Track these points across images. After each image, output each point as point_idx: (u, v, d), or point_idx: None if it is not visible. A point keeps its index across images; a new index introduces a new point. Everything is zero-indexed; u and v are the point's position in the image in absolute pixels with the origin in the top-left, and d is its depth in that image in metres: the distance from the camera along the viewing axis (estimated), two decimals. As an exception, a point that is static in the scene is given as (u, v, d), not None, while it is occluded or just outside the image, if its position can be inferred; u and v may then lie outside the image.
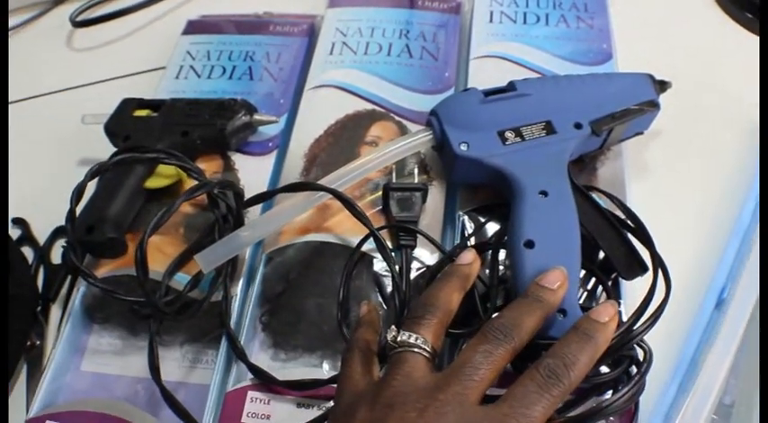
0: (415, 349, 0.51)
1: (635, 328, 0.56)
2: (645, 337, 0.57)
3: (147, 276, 0.63)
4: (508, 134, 0.67)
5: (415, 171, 0.73)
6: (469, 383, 0.47)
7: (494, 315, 0.56)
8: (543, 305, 0.54)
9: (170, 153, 0.72)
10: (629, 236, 0.64)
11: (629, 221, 0.65)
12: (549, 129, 0.68)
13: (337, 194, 0.66)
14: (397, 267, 0.66)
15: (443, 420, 0.45)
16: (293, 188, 0.68)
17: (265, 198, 0.71)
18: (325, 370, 0.64)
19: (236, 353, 0.64)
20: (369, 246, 0.68)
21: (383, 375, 0.51)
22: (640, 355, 0.58)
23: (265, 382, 0.63)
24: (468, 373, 0.48)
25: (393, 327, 0.53)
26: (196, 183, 0.70)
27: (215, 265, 0.64)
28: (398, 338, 0.52)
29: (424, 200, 0.71)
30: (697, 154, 0.81)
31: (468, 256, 0.61)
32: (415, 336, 0.52)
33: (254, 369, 0.63)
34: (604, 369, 0.58)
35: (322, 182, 0.66)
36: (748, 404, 0.61)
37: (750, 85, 0.86)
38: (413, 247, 0.69)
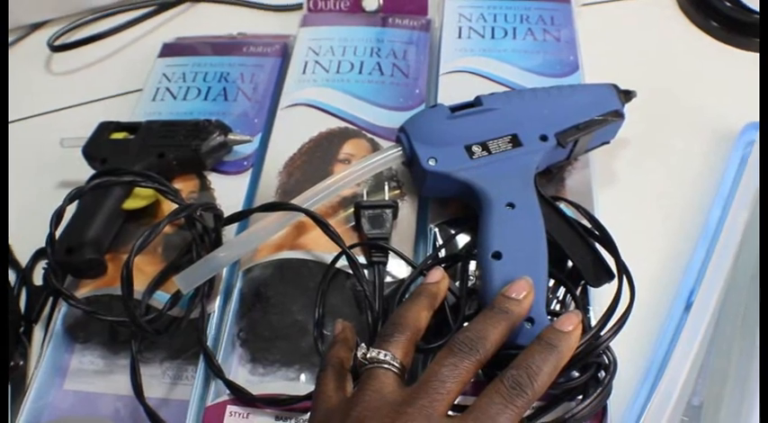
0: (385, 365, 0.53)
1: (601, 334, 0.58)
2: (612, 344, 0.59)
3: (131, 296, 0.64)
4: (475, 148, 0.68)
5: (386, 187, 0.75)
6: (436, 396, 0.49)
7: (464, 325, 0.58)
8: (509, 316, 0.55)
9: (147, 175, 0.74)
10: (596, 244, 0.66)
11: (595, 231, 0.67)
12: (516, 142, 0.69)
13: (311, 215, 0.68)
14: (368, 285, 0.67)
15: None
16: (268, 208, 0.69)
17: (241, 217, 0.73)
18: (302, 382, 0.66)
19: (213, 370, 0.65)
20: (344, 262, 0.69)
21: (355, 391, 0.52)
22: (607, 361, 0.59)
23: (242, 398, 0.64)
24: (435, 387, 0.49)
25: (363, 344, 0.55)
26: (174, 204, 0.72)
27: (194, 286, 0.66)
28: (368, 355, 0.53)
29: (394, 216, 0.72)
30: (663, 162, 0.83)
31: (437, 275, 0.62)
32: (384, 352, 0.53)
33: (230, 385, 0.64)
34: (575, 374, 0.59)
35: (296, 200, 0.68)
36: (716, 405, 0.63)
37: (716, 93, 0.88)
38: (385, 264, 0.70)
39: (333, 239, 0.67)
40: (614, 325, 0.58)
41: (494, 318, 0.55)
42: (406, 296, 0.66)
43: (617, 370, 0.59)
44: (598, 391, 0.57)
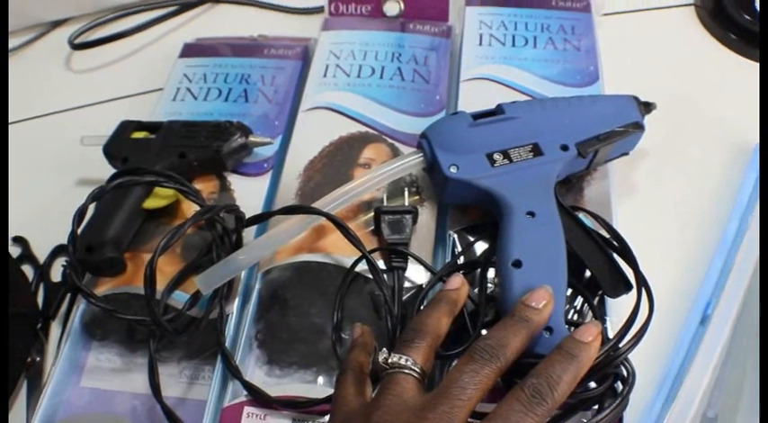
0: (406, 370, 0.53)
1: (620, 346, 0.58)
2: (630, 355, 0.59)
3: (154, 295, 0.64)
4: (496, 156, 0.68)
5: (406, 192, 0.75)
6: (457, 402, 0.49)
7: (482, 333, 0.58)
8: (529, 324, 0.55)
9: (168, 175, 0.74)
10: (614, 255, 0.66)
11: (614, 241, 0.67)
12: (537, 151, 0.69)
13: (332, 219, 0.68)
14: (387, 290, 0.67)
15: None
16: (289, 211, 0.70)
17: (262, 219, 0.73)
18: (320, 385, 0.66)
19: (231, 370, 0.66)
20: (362, 266, 0.69)
21: (375, 396, 0.52)
22: (625, 373, 0.59)
23: (259, 400, 0.64)
24: (456, 393, 0.49)
25: (384, 349, 0.55)
26: (195, 205, 0.72)
27: (214, 287, 0.66)
28: (390, 360, 0.53)
29: (414, 222, 0.72)
30: (682, 173, 0.83)
31: (456, 282, 0.62)
32: (405, 357, 0.54)
33: (248, 386, 0.65)
34: (592, 384, 0.59)
35: (316, 204, 0.68)
36: (731, 418, 0.63)
37: (734, 105, 0.88)
38: (404, 269, 0.70)
39: (353, 244, 0.67)
40: (633, 337, 0.58)
41: (514, 326, 0.55)
42: (426, 302, 0.67)
43: (635, 382, 0.59)
44: (616, 402, 0.57)
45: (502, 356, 0.52)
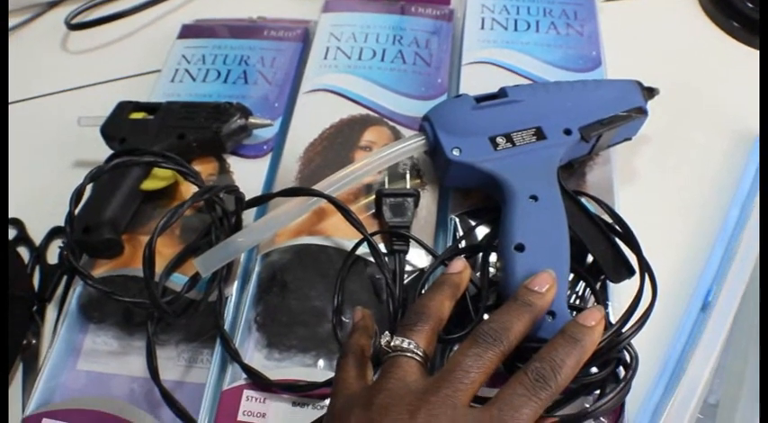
0: (408, 354, 0.52)
1: (622, 331, 0.58)
2: (632, 341, 0.59)
3: (153, 277, 0.64)
4: (499, 140, 0.68)
5: (408, 175, 0.74)
6: (460, 386, 0.49)
7: (485, 317, 0.58)
8: (532, 308, 0.55)
9: (167, 156, 0.73)
10: (617, 240, 0.66)
11: (617, 226, 0.66)
12: (540, 134, 0.69)
13: (333, 201, 0.67)
14: (389, 273, 0.67)
15: (435, 422, 0.47)
16: (290, 193, 0.69)
17: (262, 201, 0.73)
18: (319, 368, 0.65)
19: (230, 353, 0.65)
20: (363, 249, 0.69)
21: (377, 379, 0.52)
22: (627, 358, 0.59)
23: (258, 383, 0.64)
24: (459, 377, 0.49)
25: (387, 332, 0.54)
26: (194, 186, 0.71)
27: (213, 269, 0.66)
28: (392, 343, 0.53)
29: (416, 205, 0.72)
30: (684, 159, 0.82)
31: (459, 265, 0.62)
32: (407, 341, 0.53)
33: (247, 370, 0.64)
34: (593, 370, 0.59)
35: (317, 187, 0.67)
36: (732, 404, 0.63)
37: (736, 93, 0.88)
38: (405, 252, 0.70)
39: (355, 226, 0.67)
40: (636, 322, 0.58)
41: (517, 310, 0.55)
42: (427, 285, 0.66)
43: (638, 367, 0.59)
44: (619, 387, 0.57)
45: (505, 340, 0.52)
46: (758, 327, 0.65)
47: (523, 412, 0.48)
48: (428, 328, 0.55)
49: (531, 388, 0.49)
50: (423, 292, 0.64)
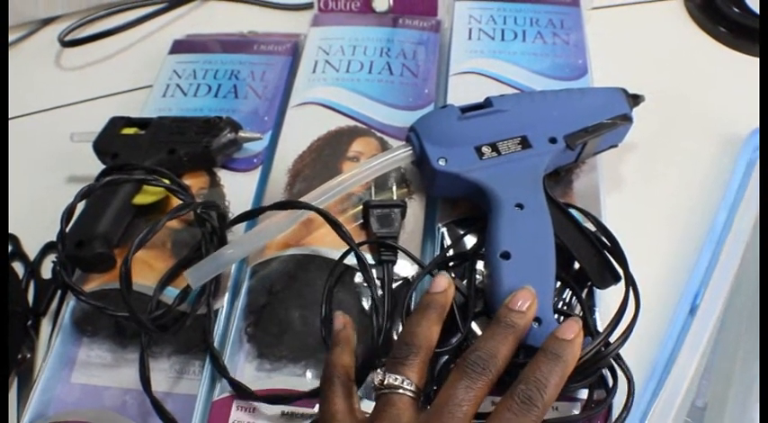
0: (400, 390, 0.53)
1: (610, 342, 0.59)
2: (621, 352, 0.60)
3: (130, 292, 0.64)
4: (485, 149, 0.69)
5: (394, 187, 0.75)
6: (455, 421, 0.49)
7: (473, 324, 0.58)
8: (515, 329, 0.56)
9: (157, 171, 0.75)
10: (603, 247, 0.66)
11: (603, 238, 0.67)
12: (525, 143, 0.70)
13: (321, 212, 0.68)
14: (375, 284, 0.68)
15: None
16: (279, 206, 0.69)
17: (250, 217, 0.73)
18: (308, 379, 0.66)
19: (218, 369, 0.66)
20: (352, 259, 0.69)
21: (371, 418, 0.53)
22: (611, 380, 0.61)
23: (244, 396, 0.64)
24: (453, 411, 0.50)
25: (379, 370, 0.55)
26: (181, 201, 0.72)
27: (203, 281, 0.66)
28: (385, 381, 0.53)
29: (403, 216, 0.72)
30: (671, 165, 0.83)
31: (443, 283, 0.61)
32: (400, 378, 0.53)
33: (233, 383, 0.64)
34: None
35: (305, 198, 0.68)
36: (720, 407, 0.63)
37: (724, 98, 0.89)
38: (394, 263, 0.70)
39: (343, 238, 0.67)
40: (621, 335, 0.59)
41: (501, 334, 0.55)
42: (415, 295, 0.67)
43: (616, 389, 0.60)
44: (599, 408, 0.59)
45: (493, 367, 0.53)
46: (746, 330, 0.66)
47: None
48: (419, 360, 0.55)
49: (519, 412, 0.50)
50: (410, 314, 0.63)
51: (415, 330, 0.57)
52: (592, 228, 0.68)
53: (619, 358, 0.61)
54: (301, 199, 0.68)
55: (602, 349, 0.58)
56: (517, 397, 0.50)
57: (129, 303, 0.64)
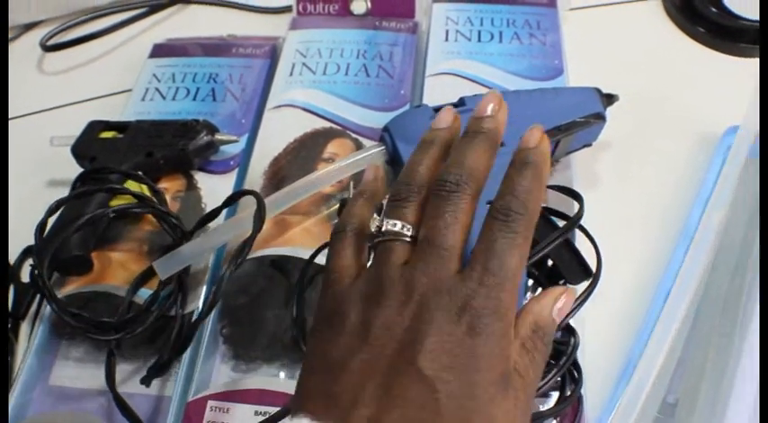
0: (400, 237, 0.48)
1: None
2: (593, 343, 0.60)
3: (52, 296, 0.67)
4: (457, 148, 0.69)
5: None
6: (444, 253, 0.45)
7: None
8: (488, 135, 0.50)
9: (132, 175, 0.76)
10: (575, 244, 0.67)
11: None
12: (497, 142, 0.70)
13: (255, 195, 0.68)
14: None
15: (425, 309, 0.43)
16: (226, 203, 0.72)
17: (208, 220, 0.73)
18: (282, 379, 0.66)
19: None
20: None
21: (371, 267, 0.48)
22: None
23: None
24: (441, 242, 0.46)
25: (376, 215, 0.50)
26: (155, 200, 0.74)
27: (172, 272, 0.67)
28: (383, 228, 0.48)
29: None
30: (646, 165, 0.84)
31: (447, 118, 0.54)
32: (399, 223, 0.48)
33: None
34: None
35: (273, 196, 0.69)
36: (691, 402, 0.63)
37: (702, 96, 0.89)
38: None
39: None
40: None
41: (472, 142, 0.50)
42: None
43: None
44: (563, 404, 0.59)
45: (471, 179, 0.48)
46: (718, 326, 0.67)
47: (510, 254, 0.45)
48: (418, 200, 0.49)
49: (506, 225, 0.45)
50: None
51: (416, 168, 0.51)
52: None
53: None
54: (269, 197, 0.69)
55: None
56: (499, 213, 0.45)
57: (61, 306, 0.67)
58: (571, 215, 0.65)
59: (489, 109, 0.51)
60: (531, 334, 0.46)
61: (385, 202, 0.52)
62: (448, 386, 0.41)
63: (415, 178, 0.50)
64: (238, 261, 0.64)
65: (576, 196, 0.65)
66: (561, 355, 0.58)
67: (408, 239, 0.48)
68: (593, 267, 0.63)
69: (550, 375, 0.55)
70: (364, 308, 0.45)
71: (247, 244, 0.64)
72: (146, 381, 0.65)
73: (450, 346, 0.42)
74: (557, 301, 0.48)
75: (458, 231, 0.46)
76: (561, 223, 0.64)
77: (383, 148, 0.71)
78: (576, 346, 0.57)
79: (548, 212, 0.70)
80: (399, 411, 0.41)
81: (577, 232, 0.67)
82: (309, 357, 0.48)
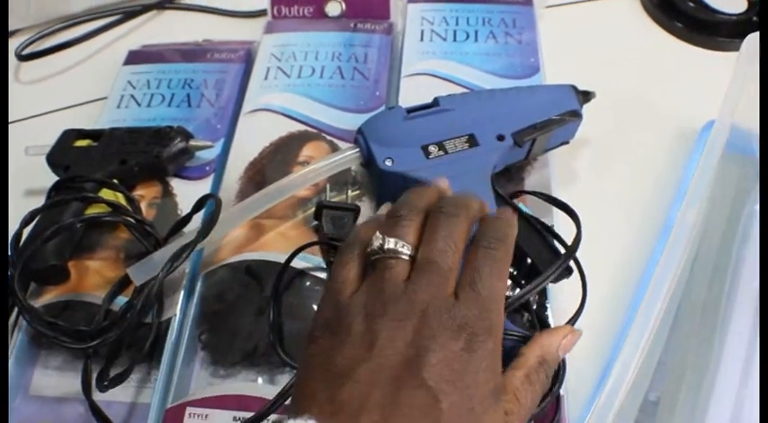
0: (398, 255, 0.52)
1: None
2: (574, 349, 0.59)
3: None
4: (431, 148, 0.69)
5: (349, 190, 0.76)
6: (441, 277, 0.50)
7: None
8: (479, 203, 0.58)
9: (107, 183, 0.77)
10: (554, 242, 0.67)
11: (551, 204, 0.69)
12: (472, 141, 0.70)
13: (213, 197, 0.71)
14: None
15: (426, 327, 0.47)
16: (197, 207, 0.72)
17: (181, 226, 0.74)
18: (260, 384, 0.66)
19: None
20: (304, 262, 0.70)
21: (371, 281, 0.52)
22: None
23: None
24: (437, 269, 0.50)
25: (378, 234, 0.53)
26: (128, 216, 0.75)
27: (146, 278, 0.66)
28: (385, 246, 0.52)
29: (355, 220, 0.73)
30: (625, 161, 0.84)
31: (444, 183, 0.62)
32: (400, 242, 0.52)
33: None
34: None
35: (247, 201, 0.69)
36: (672, 400, 0.63)
37: (681, 91, 0.90)
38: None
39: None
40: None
41: (468, 193, 0.58)
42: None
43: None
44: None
45: (468, 209, 0.55)
46: (699, 324, 0.67)
47: (497, 280, 0.51)
48: (417, 220, 0.55)
49: (489, 254, 0.52)
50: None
51: (415, 196, 0.57)
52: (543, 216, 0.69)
53: None
54: (244, 201, 0.69)
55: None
56: (482, 243, 0.52)
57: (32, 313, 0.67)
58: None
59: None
60: (537, 366, 0.52)
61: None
62: (449, 397, 0.45)
63: (416, 202, 0.56)
64: (174, 265, 0.66)
65: (572, 215, 0.65)
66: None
67: (407, 258, 0.52)
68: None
69: (544, 403, 0.56)
70: (368, 319, 0.48)
71: (188, 247, 0.66)
72: (104, 388, 0.65)
73: (451, 361, 0.46)
74: (564, 338, 0.55)
75: (455, 254, 0.51)
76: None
77: (357, 150, 0.71)
78: (564, 371, 0.58)
79: (522, 195, 0.71)
80: (404, 419, 0.44)
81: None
82: (309, 363, 0.50)
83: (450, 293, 0.49)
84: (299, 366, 0.52)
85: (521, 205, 0.70)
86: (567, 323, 0.60)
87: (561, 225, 0.70)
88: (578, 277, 0.64)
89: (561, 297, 0.67)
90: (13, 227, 0.72)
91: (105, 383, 0.65)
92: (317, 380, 0.48)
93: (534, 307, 0.67)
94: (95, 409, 0.64)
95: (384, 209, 0.61)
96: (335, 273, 0.54)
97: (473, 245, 0.52)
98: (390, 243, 0.52)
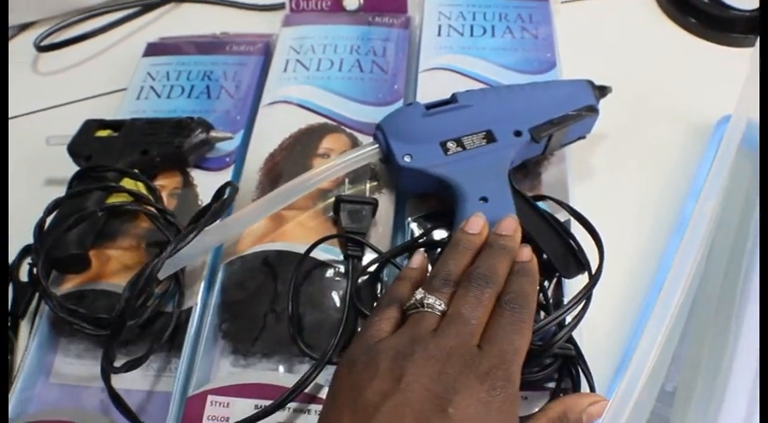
0: (434, 310, 0.56)
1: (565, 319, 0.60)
2: (590, 336, 0.61)
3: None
4: (450, 144, 0.70)
5: (367, 183, 0.77)
6: (469, 328, 0.53)
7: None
8: (508, 251, 0.60)
9: (128, 172, 0.77)
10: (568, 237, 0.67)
11: (578, 222, 0.68)
12: (490, 137, 0.71)
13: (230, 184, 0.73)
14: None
15: (450, 368, 0.50)
16: (216, 197, 0.73)
17: (201, 217, 0.72)
18: (281, 373, 0.67)
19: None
20: (320, 254, 0.71)
21: (406, 329, 0.55)
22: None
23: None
24: (465, 321, 0.53)
25: (420, 289, 0.57)
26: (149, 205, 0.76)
27: (169, 273, 0.67)
28: (425, 302, 0.56)
29: (373, 214, 0.73)
30: (640, 156, 0.84)
31: (478, 224, 0.63)
32: (439, 301, 0.56)
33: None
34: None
35: (270, 195, 0.70)
36: (689, 390, 0.64)
37: (694, 86, 0.90)
38: (360, 258, 0.71)
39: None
40: (571, 301, 0.61)
41: (498, 255, 0.60)
42: (387, 280, 0.70)
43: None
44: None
45: (496, 282, 0.57)
46: (714, 316, 0.67)
47: (519, 337, 0.53)
48: (451, 290, 0.58)
49: (513, 316, 0.54)
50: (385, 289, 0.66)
51: (451, 268, 0.59)
52: (561, 214, 0.70)
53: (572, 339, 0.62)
54: (265, 196, 0.70)
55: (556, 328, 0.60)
56: (507, 305, 0.55)
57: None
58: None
59: (511, 230, 0.62)
60: (556, 419, 0.55)
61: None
62: None
63: (450, 276, 0.58)
64: (179, 246, 0.67)
65: (595, 236, 0.66)
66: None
67: (439, 313, 0.55)
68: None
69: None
70: (398, 359, 0.51)
71: (196, 229, 0.69)
72: (116, 370, 0.66)
73: (475, 401, 0.48)
74: (591, 404, 0.56)
75: (482, 312, 0.54)
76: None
77: (377, 146, 0.72)
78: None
79: (546, 199, 0.71)
80: None
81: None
82: (338, 395, 0.53)
83: (475, 344, 0.52)
84: (326, 397, 0.54)
85: (543, 205, 0.70)
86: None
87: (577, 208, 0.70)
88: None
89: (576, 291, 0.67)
90: (33, 216, 0.73)
91: (118, 366, 0.66)
92: (345, 411, 0.50)
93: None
94: (114, 396, 0.64)
95: (416, 260, 0.65)
96: (371, 323, 0.57)
97: (498, 304, 0.55)
98: (430, 299, 0.56)
